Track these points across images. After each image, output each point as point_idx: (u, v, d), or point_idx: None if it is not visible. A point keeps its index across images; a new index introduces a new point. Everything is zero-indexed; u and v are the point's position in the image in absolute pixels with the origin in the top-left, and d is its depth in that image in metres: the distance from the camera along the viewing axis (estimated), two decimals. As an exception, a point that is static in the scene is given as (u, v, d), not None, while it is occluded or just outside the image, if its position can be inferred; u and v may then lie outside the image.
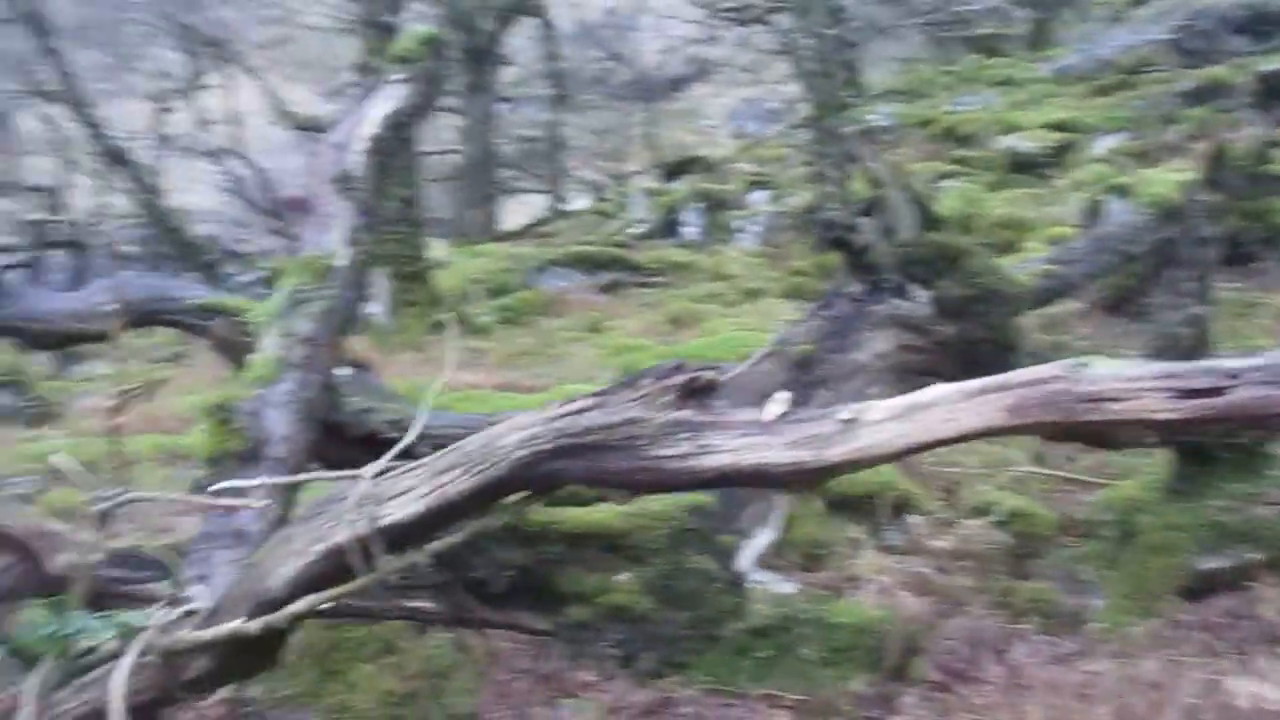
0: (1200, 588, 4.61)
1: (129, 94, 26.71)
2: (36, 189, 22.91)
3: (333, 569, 1.14)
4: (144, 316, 4.76)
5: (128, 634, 1.10)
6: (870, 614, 4.74)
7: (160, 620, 1.10)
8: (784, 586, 5.14)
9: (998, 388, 1.42)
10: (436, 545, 2.41)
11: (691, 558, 3.00)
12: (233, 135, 25.61)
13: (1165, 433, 2.04)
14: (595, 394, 1.43)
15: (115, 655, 1.10)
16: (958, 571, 5.15)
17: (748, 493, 3.33)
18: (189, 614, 1.11)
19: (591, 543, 2.91)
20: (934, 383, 3.73)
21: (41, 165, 23.98)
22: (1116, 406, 1.45)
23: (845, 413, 1.40)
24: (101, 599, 1.26)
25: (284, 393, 2.40)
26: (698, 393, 1.44)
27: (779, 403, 1.40)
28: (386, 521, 1.16)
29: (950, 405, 1.41)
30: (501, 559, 2.76)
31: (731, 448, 1.29)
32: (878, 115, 18.29)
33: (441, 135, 22.86)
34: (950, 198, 12.51)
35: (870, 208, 3.64)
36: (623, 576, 2.89)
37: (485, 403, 7.77)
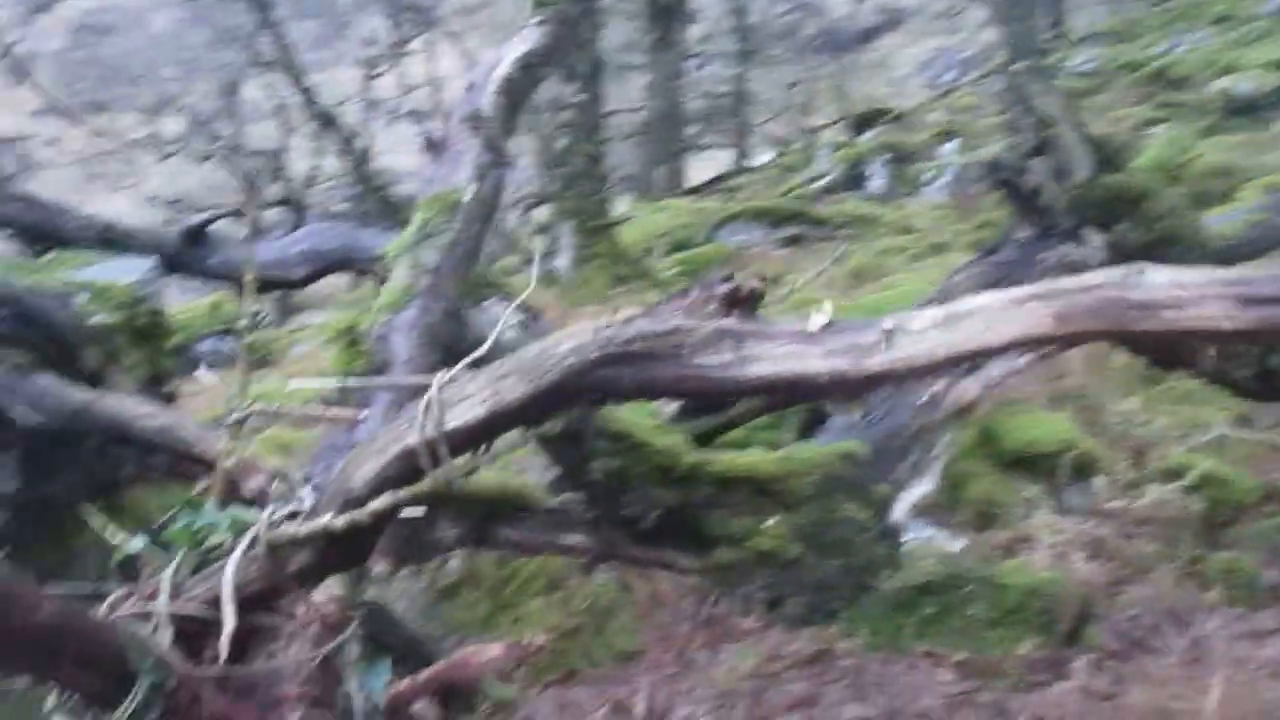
0: None
1: (340, 62, 28.03)
2: (259, 153, 24.44)
3: (407, 470, 1.21)
4: (335, 264, 5.05)
5: (240, 529, 1.21)
6: (1042, 576, 4.58)
7: (268, 518, 1.20)
8: (952, 544, 5.03)
9: (1045, 295, 1.34)
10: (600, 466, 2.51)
11: (842, 506, 2.97)
12: (434, 98, 26.50)
13: (1229, 343, 1.88)
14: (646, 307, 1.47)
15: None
16: (1142, 537, 4.91)
17: (904, 444, 3.27)
18: (294, 514, 1.21)
19: (741, 487, 2.91)
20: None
21: (264, 131, 25.56)
22: (1172, 314, 1.32)
23: (888, 322, 1.36)
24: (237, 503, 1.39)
25: (409, 319, 2.52)
26: (742, 303, 1.44)
27: (823, 313, 1.38)
28: (451, 426, 1.22)
29: (993, 313, 1.35)
30: (651, 498, 2.80)
31: (773, 356, 1.29)
32: (1081, 59, 17.31)
33: (629, 92, 23.04)
34: (1156, 145, 11.75)
35: (1041, 148, 3.46)
36: (771, 522, 2.88)
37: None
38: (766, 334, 1.36)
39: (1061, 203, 3.38)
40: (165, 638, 1.23)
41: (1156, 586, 4.58)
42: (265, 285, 6.56)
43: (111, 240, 5.48)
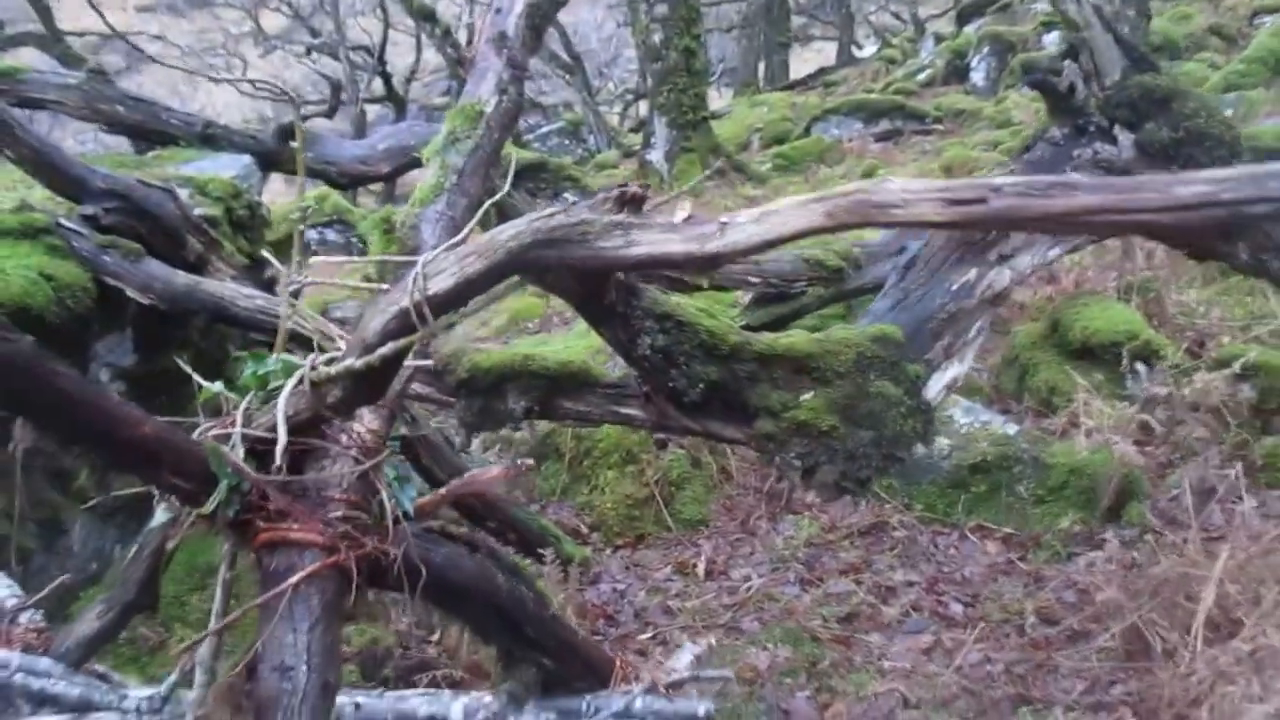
0: None
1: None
2: (360, 47, 24.85)
3: (403, 326, 1.52)
4: (417, 160, 5.37)
5: (290, 371, 1.53)
6: (1086, 457, 4.78)
7: (310, 362, 1.52)
8: (1006, 427, 5.24)
9: (820, 199, 1.74)
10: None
11: (875, 382, 3.20)
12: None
13: (942, 231, 2.28)
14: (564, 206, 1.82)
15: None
16: (1195, 423, 5.04)
17: (938, 328, 3.47)
18: (332, 359, 1.51)
19: (781, 364, 3.15)
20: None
21: (365, 25, 25.93)
22: (900, 211, 1.74)
23: (724, 218, 1.75)
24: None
25: (436, 211, 2.80)
26: (630, 203, 1.76)
27: (683, 210, 1.73)
28: (431, 292, 1.51)
29: (789, 212, 1.72)
30: (697, 373, 3.08)
31: (649, 241, 1.65)
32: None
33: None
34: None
35: (1074, 50, 3.55)
36: (809, 396, 3.14)
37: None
38: (645, 225, 1.71)
39: (1093, 103, 3.48)
40: (239, 454, 1.59)
41: (1201, 469, 4.71)
42: (354, 180, 7.01)
43: (212, 138, 5.88)
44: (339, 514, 1.62)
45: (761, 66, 24.48)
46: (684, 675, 2.37)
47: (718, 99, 27.43)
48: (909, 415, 3.25)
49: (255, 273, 4.43)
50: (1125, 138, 3.44)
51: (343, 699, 2.09)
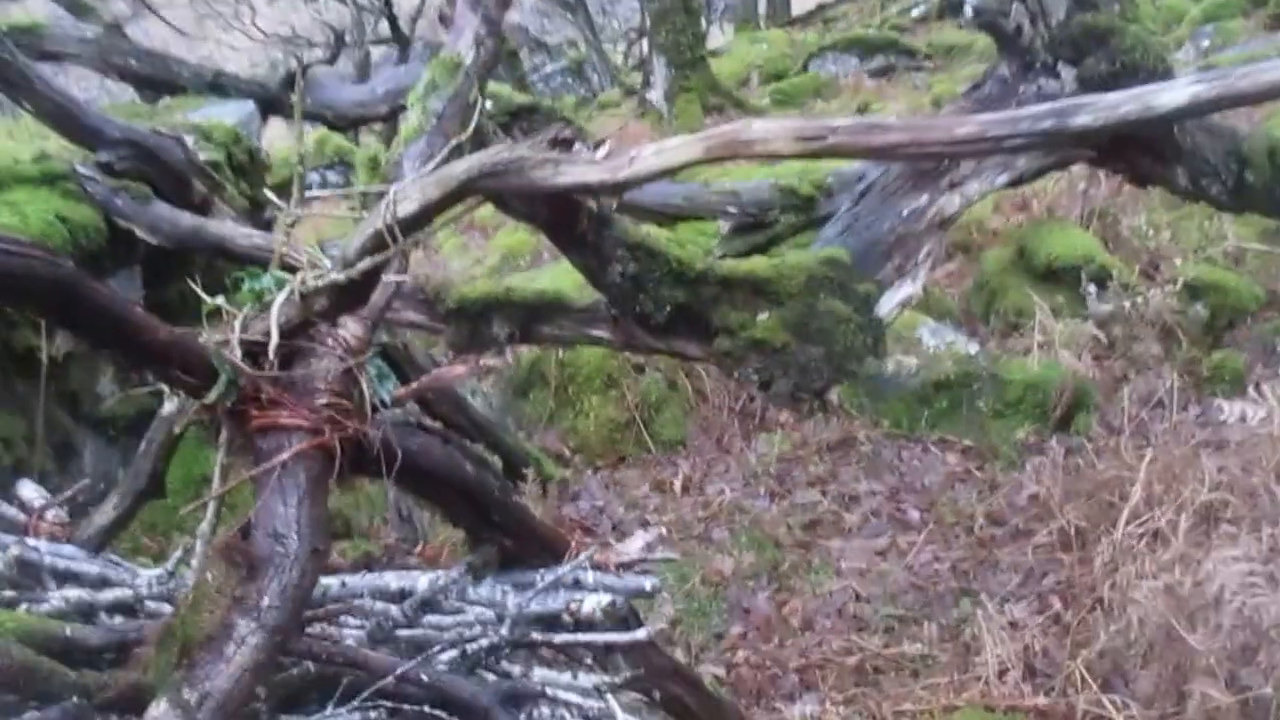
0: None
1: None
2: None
3: (378, 244, 1.80)
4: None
5: (282, 285, 1.82)
6: (1041, 372, 5.08)
7: (300, 277, 1.80)
8: (969, 346, 5.54)
9: (703, 137, 2.08)
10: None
11: (825, 301, 3.50)
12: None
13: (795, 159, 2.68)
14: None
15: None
16: (1148, 339, 5.32)
17: (888, 250, 3.74)
18: (320, 275, 1.79)
19: (740, 286, 3.44)
20: (1083, 151, 3.93)
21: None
22: (760, 146, 2.05)
23: (633, 151, 2.06)
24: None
25: (418, 150, 3.08)
26: (561, 143, 2.06)
27: (605, 147, 2.01)
28: (400, 215, 1.79)
29: (679, 147, 2.02)
30: (665, 296, 3.38)
31: (573, 172, 1.94)
32: None
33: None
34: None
35: (1021, -10, 3.77)
36: (765, 315, 3.44)
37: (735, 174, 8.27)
38: (572, 160, 2.00)
39: (1039, 42, 3.70)
40: (237, 354, 1.89)
41: (1152, 381, 5.01)
42: (352, 122, 7.31)
43: (219, 86, 6.15)
44: (324, 401, 1.92)
45: (764, 3, 24.39)
46: (634, 557, 2.69)
47: (720, 36, 27.38)
48: (859, 331, 3.54)
49: (256, 215, 4.73)
50: (1068, 73, 3.67)
51: (329, 579, 2.42)
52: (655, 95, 14.53)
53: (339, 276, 1.91)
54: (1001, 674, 3.27)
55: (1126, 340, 5.38)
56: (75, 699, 1.76)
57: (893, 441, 5.24)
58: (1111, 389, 5.22)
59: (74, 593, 2.24)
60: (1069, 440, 4.73)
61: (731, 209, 5.64)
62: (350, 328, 2.10)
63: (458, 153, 2.91)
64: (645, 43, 19.38)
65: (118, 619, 2.19)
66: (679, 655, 3.56)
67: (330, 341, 2.05)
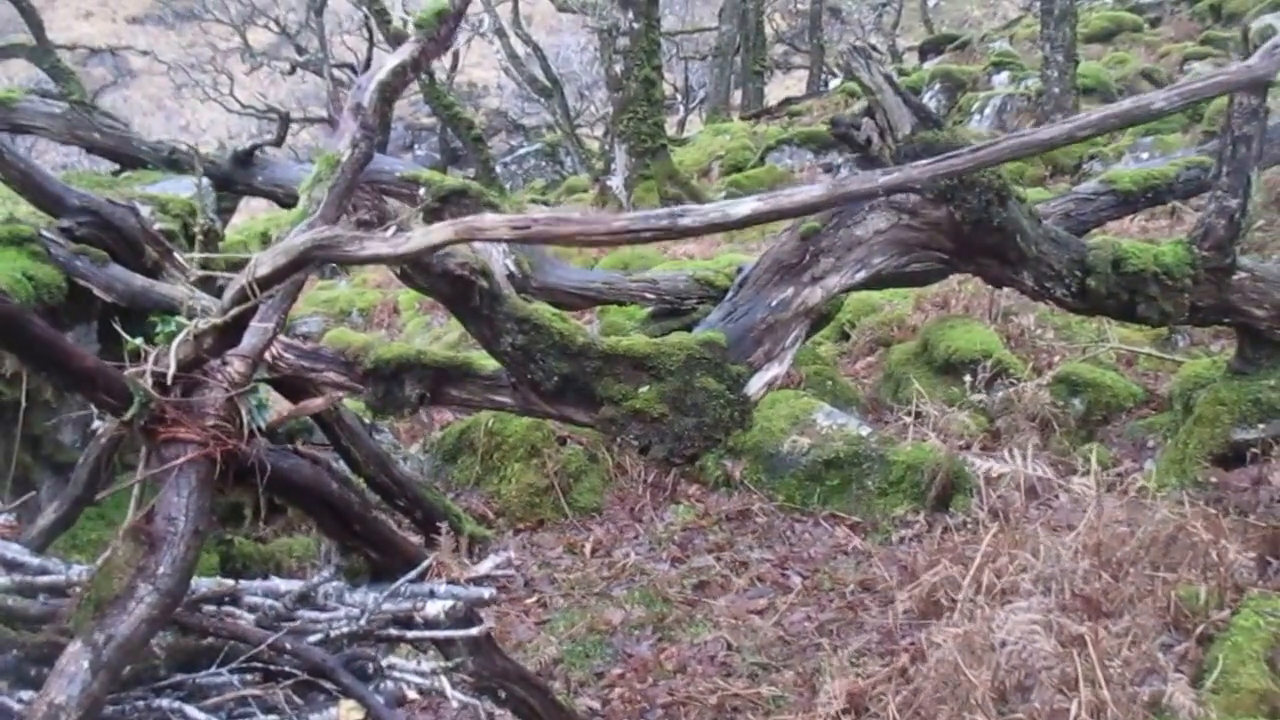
0: (1232, 456, 5.04)
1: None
2: (343, 66, 25.64)
3: (242, 296, 2.24)
4: (365, 183, 6.09)
5: (181, 327, 2.27)
6: (916, 454, 5.53)
7: (195, 322, 2.26)
8: (861, 429, 5.98)
9: (457, 224, 2.34)
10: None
11: (700, 378, 3.93)
12: (515, 14, 27.16)
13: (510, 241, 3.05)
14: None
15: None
16: (1027, 430, 5.78)
17: (759, 336, 4.18)
18: (208, 320, 2.25)
19: (622, 361, 3.87)
20: (932, 254, 4.43)
21: (350, 42, 26.72)
22: (489, 233, 2.42)
23: (405, 234, 2.41)
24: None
25: (299, 231, 3.53)
26: (365, 225, 2.51)
27: (394, 229, 2.42)
28: (259, 275, 2.25)
29: (438, 230, 2.35)
30: (552, 367, 3.81)
31: (371, 246, 2.34)
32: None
33: (698, 15, 23.45)
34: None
35: (870, 109, 4.29)
36: (645, 389, 3.87)
37: (657, 264, 8.79)
38: (370, 238, 2.40)
39: (886, 154, 4.22)
40: (149, 382, 2.34)
41: (1028, 469, 5.44)
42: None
43: (176, 162, 6.62)
44: (211, 423, 2.38)
45: (739, 94, 25.31)
46: (482, 573, 3.13)
47: (698, 123, 28.23)
48: (728, 406, 3.97)
49: (211, 281, 5.14)
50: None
51: (243, 581, 2.85)
52: (616, 182, 15.15)
53: (217, 321, 2.35)
54: (839, 713, 3.63)
55: (1010, 430, 5.84)
56: (15, 651, 2.21)
57: (787, 515, 5.65)
58: (989, 474, 5.64)
59: (18, 577, 2.64)
60: (944, 517, 5.15)
61: (650, 295, 6.11)
62: (235, 365, 2.56)
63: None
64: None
65: (52, 600, 2.61)
66: (557, 687, 3.91)
67: (219, 376, 2.50)
